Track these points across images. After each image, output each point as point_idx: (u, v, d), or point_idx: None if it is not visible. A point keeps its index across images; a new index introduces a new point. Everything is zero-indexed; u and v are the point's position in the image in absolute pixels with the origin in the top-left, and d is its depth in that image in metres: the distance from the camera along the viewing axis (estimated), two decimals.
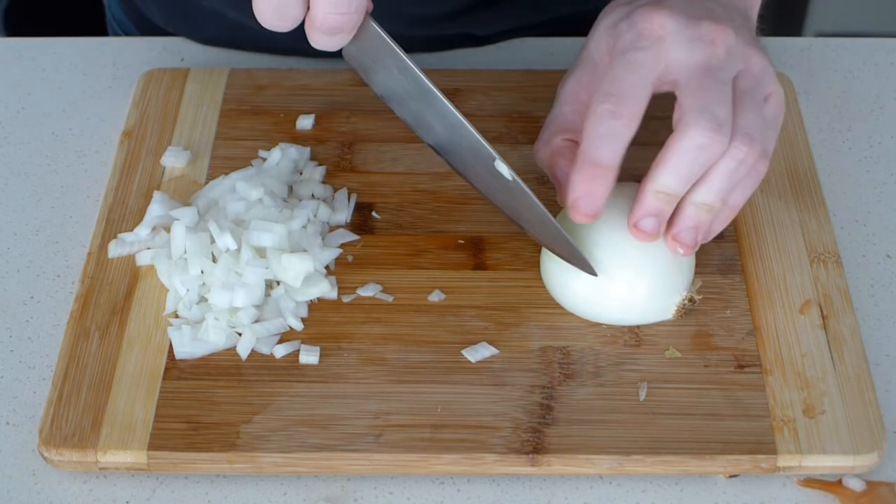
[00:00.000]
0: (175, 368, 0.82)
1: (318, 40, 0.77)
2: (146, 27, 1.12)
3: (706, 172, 0.79)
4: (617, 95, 0.79)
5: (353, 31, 0.77)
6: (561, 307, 0.85)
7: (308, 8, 0.75)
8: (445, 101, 0.80)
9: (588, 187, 0.79)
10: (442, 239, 0.89)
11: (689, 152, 0.78)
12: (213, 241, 0.86)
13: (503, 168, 0.81)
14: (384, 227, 0.90)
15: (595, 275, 0.82)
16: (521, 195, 0.81)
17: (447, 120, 0.81)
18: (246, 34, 1.04)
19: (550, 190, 0.85)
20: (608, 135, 0.78)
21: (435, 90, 0.80)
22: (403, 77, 0.80)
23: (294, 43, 1.03)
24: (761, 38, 0.87)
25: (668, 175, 0.79)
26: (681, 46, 0.80)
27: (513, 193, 0.82)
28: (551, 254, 0.84)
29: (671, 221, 0.81)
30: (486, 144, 0.80)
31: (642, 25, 0.80)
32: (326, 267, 0.87)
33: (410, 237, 0.89)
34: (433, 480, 0.79)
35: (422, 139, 0.83)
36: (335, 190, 0.92)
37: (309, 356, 0.82)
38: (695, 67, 0.80)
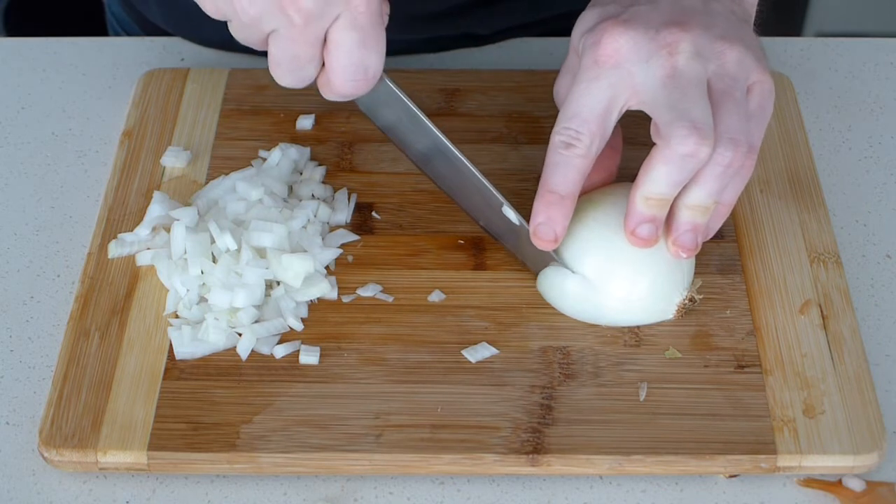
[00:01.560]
0: (175, 368, 0.81)
1: (330, 98, 0.81)
2: (147, 26, 1.12)
3: (695, 177, 0.79)
4: (574, 126, 0.80)
5: (366, 93, 0.81)
6: None
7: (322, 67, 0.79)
8: (456, 150, 0.84)
9: (546, 214, 0.81)
10: (442, 239, 0.89)
11: (674, 161, 0.78)
12: (213, 242, 0.86)
13: (510, 214, 0.84)
14: (384, 227, 0.90)
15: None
16: (527, 239, 0.83)
17: (454, 164, 0.84)
18: None
19: None
20: (563, 164, 0.80)
21: (446, 141, 0.84)
22: (412, 125, 0.84)
23: None
24: (762, 39, 0.87)
25: (654, 183, 0.79)
26: (639, 67, 0.79)
27: (519, 236, 0.85)
28: (548, 266, 0.85)
29: (669, 227, 0.81)
30: (493, 190, 0.84)
31: (600, 51, 0.79)
32: (326, 267, 0.87)
33: (410, 237, 0.89)
34: (433, 480, 0.79)
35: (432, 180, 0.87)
36: (335, 190, 0.92)
37: (309, 356, 0.82)
38: (658, 83, 0.79)
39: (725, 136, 0.78)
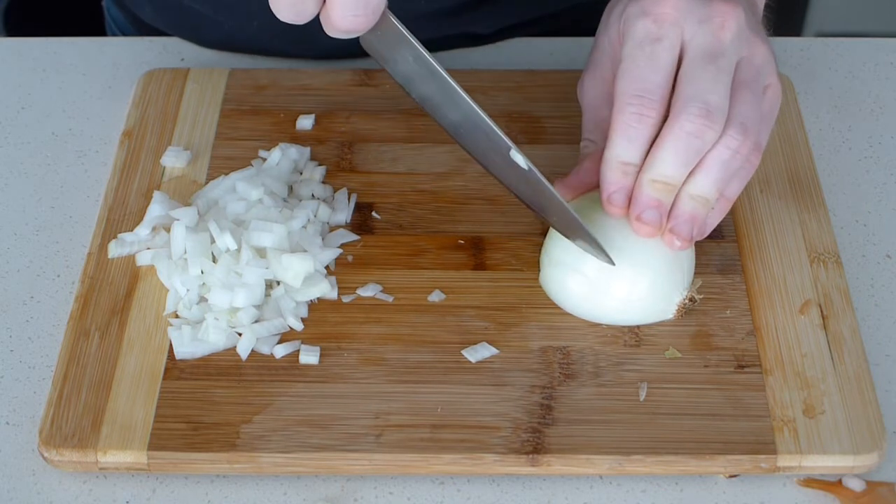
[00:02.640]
0: (175, 368, 0.82)
1: (332, 34, 0.77)
2: (142, 28, 1.12)
3: (701, 162, 0.79)
4: (643, 96, 0.79)
5: (367, 29, 0.77)
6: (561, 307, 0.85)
7: (324, 3, 0.76)
8: (461, 91, 0.80)
9: (622, 182, 0.80)
10: (442, 239, 0.89)
11: (681, 140, 0.78)
12: (213, 241, 0.86)
13: (518, 158, 0.81)
14: (384, 227, 0.90)
15: (613, 264, 0.82)
16: (537, 184, 0.81)
17: (462, 109, 0.81)
18: (244, 40, 1.04)
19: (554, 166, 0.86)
20: (636, 138, 0.80)
21: (451, 81, 0.80)
22: (419, 67, 0.80)
23: (292, 49, 1.04)
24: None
25: (662, 164, 0.79)
26: (693, 27, 0.80)
27: (529, 182, 0.82)
28: (551, 260, 0.84)
29: (668, 215, 0.81)
30: (501, 134, 0.81)
31: (657, 11, 0.80)
32: (326, 267, 0.87)
33: (410, 237, 0.89)
34: (433, 480, 0.79)
35: (440, 125, 0.84)
36: (335, 190, 0.92)
37: (309, 356, 0.82)
38: (701, 53, 0.80)
39: (737, 121, 0.79)
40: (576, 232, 0.82)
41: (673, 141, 0.78)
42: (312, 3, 0.76)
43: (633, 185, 0.80)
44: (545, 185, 0.81)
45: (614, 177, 0.80)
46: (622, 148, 0.80)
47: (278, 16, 0.77)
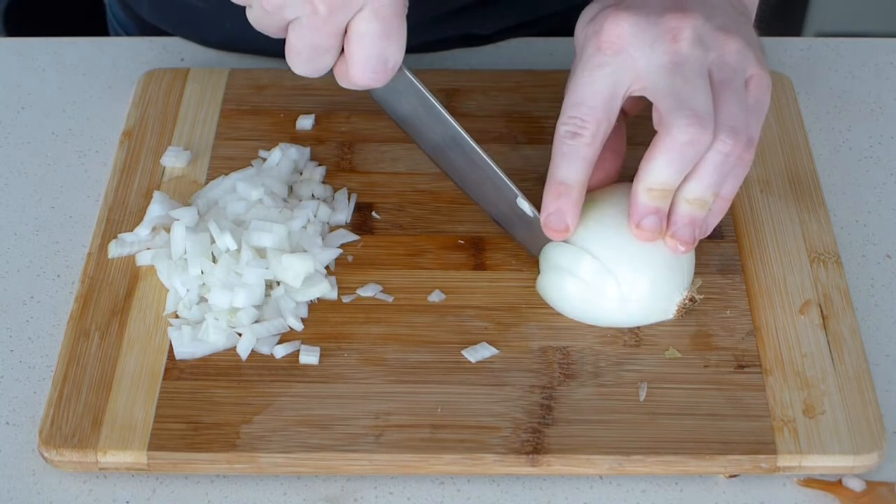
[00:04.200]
0: (175, 368, 0.81)
1: (346, 87, 0.80)
2: (144, 26, 1.12)
3: (695, 167, 0.79)
4: (579, 115, 0.80)
5: (383, 85, 0.80)
6: None
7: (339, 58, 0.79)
8: (472, 141, 0.84)
9: (556, 205, 0.81)
10: (442, 239, 0.89)
11: (675, 150, 0.78)
12: (213, 242, 0.86)
13: (525, 205, 0.85)
14: (384, 227, 0.90)
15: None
16: (541, 231, 0.83)
17: (470, 158, 0.84)
18: (244, 41, 1.04)
19: None
20: (570, 154, 0.80)
21: (462, 131, 0.84)
22: (429, 116, 0.84)
23: None
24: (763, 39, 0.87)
25: (656, 173, 0.79)
26: (643, 52, 0.79)
27: (532, 228, 0.85)
28: (547, 266, 0.84)
29: (667, 221, 0.81)
30: (509, 182, 0.84)
31: (602, 37, 0.80)
32: (326, 267, 0.87)
33: (410, 237, 0.89)
34: (433, 480, 0.79)
35: (440, 168, 0.87)
36: (335, 190, 0.92)
37: (309, 356, 0.82)
38: (662, 70, 0.79)
39: (726, 124, 0.79)
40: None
41: (666, 151, 0.78)
42: (330, 59, 0.79)
43: (567, 206, 0.81)
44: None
45: (550, 199, 0.82)
46: (561, 169, 0.81)
47: (294, 70, 0.79)
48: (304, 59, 0.78)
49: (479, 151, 0.84)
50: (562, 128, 0.80)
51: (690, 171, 0.79)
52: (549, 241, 0.84)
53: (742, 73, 0.81)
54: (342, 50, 0.79)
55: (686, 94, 0.78)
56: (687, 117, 0.77)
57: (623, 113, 0.84)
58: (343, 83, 0.80)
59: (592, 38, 0.80)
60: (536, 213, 0.84)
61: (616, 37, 0.79)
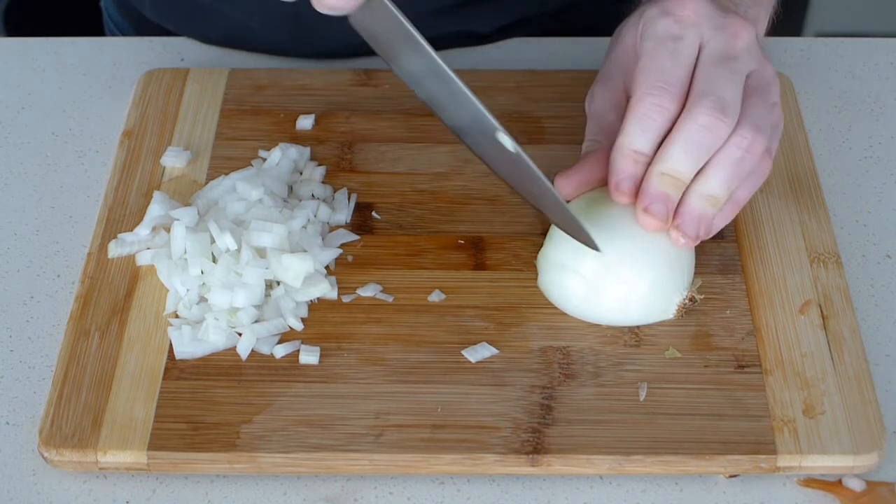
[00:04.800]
0: (175, 368, 0.82)
1: (322, 10, 0.77)
2: (142, 26, 1.12)
3: (711, 159, 0.79)
4: (663, 87, 0.81)
5: (355, 8, 0.77)
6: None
7: None
8: (452, 74, 0.80)
9: (632, 170, 0.81)
10: (442, 239, 0.89)
11: (693, 133, 0.79)
12: (213, 241, 0.86)
13: (506, 140, 0.81)
14: (384, 227, 0.90)
15: (598, 250, 0.82)
16: (523, 168, 0.81)
17: (450, 88, 0.81)
18: (246, 34, 1.04)
19: (554, 166, 0.86)
20: (652, 128, 0.80)
21: (441, 63, 0.80)
22: (410, 48, 0.80)
23: (294, 45, 1.04)
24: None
25: (672, 157, 0.79)
26: (709, 32, 0.82)
27: (516, 166, 0.82)
28: (548, 264, 0.84)
29: (675, 214, 0.81)
30: (489, 116, 0.80)
31: (679, 13, 0.83)
32: (326, 267, 0.87)
33: (410, 237, 0.89)
34: (433, 480, 0.79)
35: (433, 113, 0.83)
36: (335, 190, 0.92)
37: (309, 356, 0.82)
38: (715, 54, 0.81)
39: (749, 120, 0.80)
40: (562, 218, 0.82)
41: (685, 134, 0.79)
42: None
43: (642, 175, 0.81)
44: (532, 169, 0.80)
45: (625, 164, 0.81)
46: (636, 136, 0.81)
47: None
48: None
49: (458, 82, 0.80)
50: (647, 97, 0.80)
51: (706, 165, 0.80)
52: (529, 179, 0.81)
53: (771, 95, 0.83)
54: None
55: (720, 84, 0.80)
56: (712, 102, 0.79)
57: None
58: (317, 5, 0.77)
59: (663, 18, 0.83)
60: (518, 149, 0.80)
61: (693, 11, 0.82)
